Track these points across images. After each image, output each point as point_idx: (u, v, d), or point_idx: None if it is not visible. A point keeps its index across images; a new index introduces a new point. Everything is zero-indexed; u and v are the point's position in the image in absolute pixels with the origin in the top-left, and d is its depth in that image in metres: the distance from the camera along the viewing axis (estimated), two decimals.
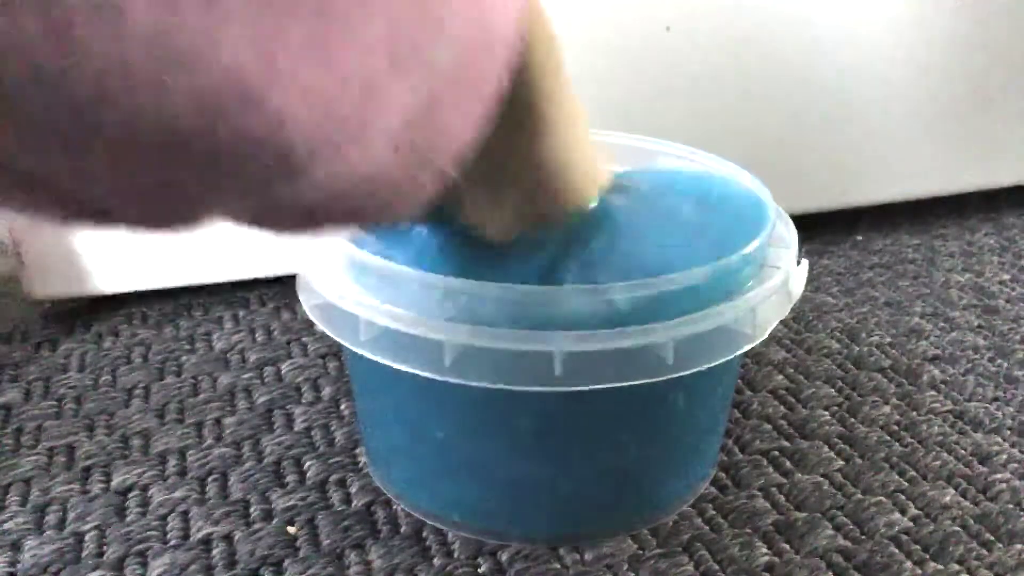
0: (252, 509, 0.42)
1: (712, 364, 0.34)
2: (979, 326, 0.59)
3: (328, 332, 0.36)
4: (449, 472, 0.39)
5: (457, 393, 0.34)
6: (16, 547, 0.40)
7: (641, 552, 0.39)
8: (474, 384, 0.33)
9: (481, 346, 0.32)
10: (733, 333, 0.35)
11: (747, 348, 0.35)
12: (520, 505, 0.39)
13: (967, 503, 0.42)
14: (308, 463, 0.45)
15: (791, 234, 0.40)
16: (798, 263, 0.39)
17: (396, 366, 0.34)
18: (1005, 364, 0.54)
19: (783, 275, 0.37)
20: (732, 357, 0.35)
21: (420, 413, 0.38)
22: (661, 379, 0.33)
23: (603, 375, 0.33)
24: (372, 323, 0.34)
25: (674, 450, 0.40)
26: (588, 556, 0.39)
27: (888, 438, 0.47)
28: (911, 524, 0.41)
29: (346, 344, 0.35)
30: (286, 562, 0.39)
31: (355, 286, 0.35)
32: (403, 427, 0.39)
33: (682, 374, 0.33)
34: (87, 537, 0.40)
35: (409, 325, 0.33)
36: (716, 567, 0.38)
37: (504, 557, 0.39)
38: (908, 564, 0.39)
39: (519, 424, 0.37)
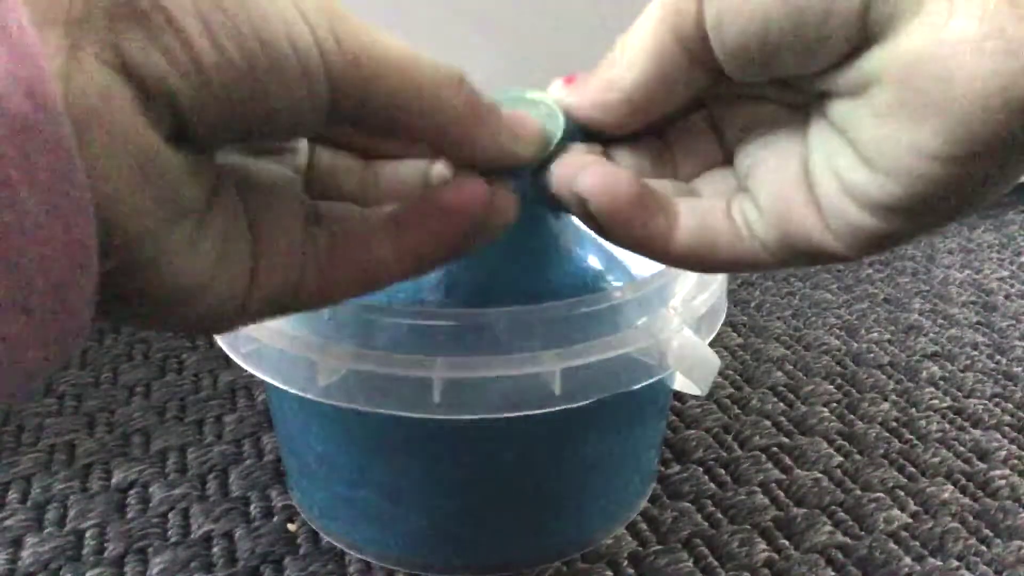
0: (252, 506, 0.42)
1: (606, 396, 0.32)
2: (978, 323, 0.59)
3: (219, 342, 0.35)
4: (339, 496, 0.38)
5: (340, 414, 0.32)
6: (17, 544, 0.40)
7: (640, 548, 0.39)
8: (349, 406, 0.31)
9: (356, 368, 0.30)
10: (635, 363, 0.32)
11: (652, 380, 0.33)
12: (413, 535, 0.38)
13: (966, 499, 0.42)
14: None
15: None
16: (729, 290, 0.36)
17: (272, 383, 0.33)
18: (1004, 361, 0.54)
19: (702, 304, 0.35)
20: (635, 389, 0.32)
21: (303, 431, 0.38)
22: (548, 410, 0.31)
23: (484, 404, 0.31)
24: (250, 337, 0.33)
25: (576, 484, 0.38)
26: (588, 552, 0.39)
27: (887, 434, 0.47)
28: (910, 520, 0.41)
29: (231, 355, 0.34)
30: (286, 559, 0.39)
31: None
32: (307, 451, 0.38)
33: (573, 405, 0.31)
34: (87, 534, 0.40)
35: (284, 342, 0.32)
36: (715, 563, 0.38)
37: None
38: (907, 560, 0.39)
39: (400, 450, 0.35)
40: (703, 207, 0.24)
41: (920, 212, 0.20)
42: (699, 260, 0.24)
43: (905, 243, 0.21)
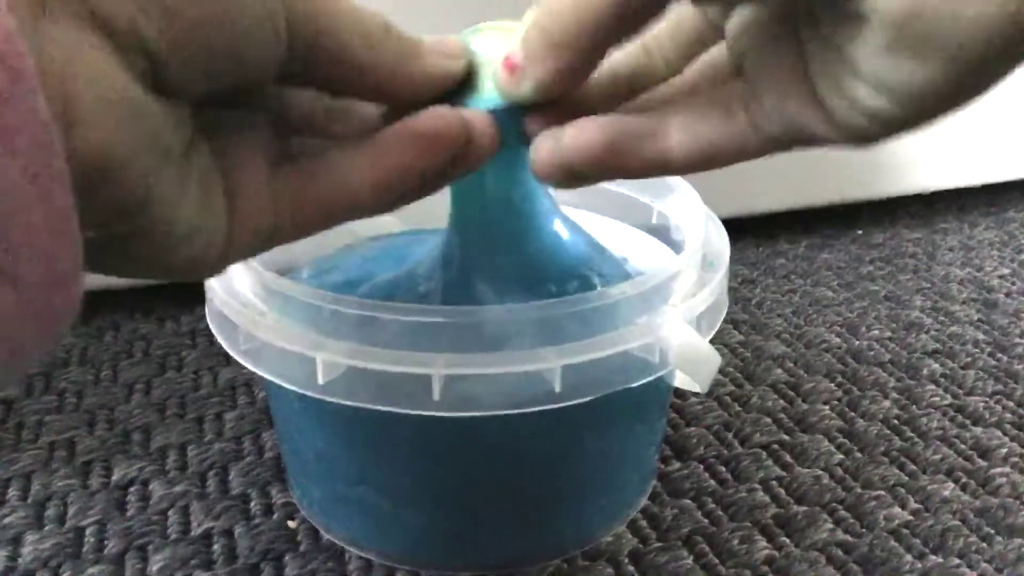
0: (252, 504, 0.42)
1: (606, 393, 0.32)
2: (979, 320, 0.59)
3: (219, 339, 0.35)
4: (339, 494, 0.38)
5: (339, 412, 0.32)
6: (17, 541, 0.40)
7: (641, 546, 0.39)
8: (349, 404, 0.31)
9: (356, 365, 0.30)
10: (636, 360, 0.32)
11: (652, 377, 0.33)
12: (414, 533, 0.38)
13: (967, 497, 0.42)
14: None
15: (721, 258, 0.37)
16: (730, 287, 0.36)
17: (272, 380, 0.33)
18: (1005, 358, 0.54)
19: (702, 301, 0.35)
20: (636, 386, 0.32)
21: (303, 429, 0.38)
22: (549, 407, 0.31)
23: (484, 401, 0.31)
24: (250, 334, 0.33)
25: (577, 482, 0.38)
26: (589, 549, 0.39)
27: (888, 432, 0.47)
28: (911, 518, 0.41)
29: (230, 352, 0.34)
30: (286, 556, 0.39)
31: (251, 297, 0.34)
32: (307, 448, 0.38)
33: (574, 403, 0.31)
34: (87, 532, 0.40)
35: (284, 339, 0.32)
36: (716, 561, 0.38)
37: None
38: (908, 558, 0.39)
39: (401, 448, 0.35)
40: (696, 116, 0.24)
41: (921, 120, 0.21)
42: (699, 168, 0.24)
43: (907, 134, 0.23)
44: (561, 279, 0.35)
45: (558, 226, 0.36)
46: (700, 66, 0.25)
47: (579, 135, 0.24)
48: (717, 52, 0.25)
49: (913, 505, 0.42)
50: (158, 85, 0.19)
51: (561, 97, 0.24)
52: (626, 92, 0.26)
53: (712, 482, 0.43)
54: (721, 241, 0.38)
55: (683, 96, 0.25)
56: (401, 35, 0.23)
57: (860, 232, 0.72)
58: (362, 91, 0.24)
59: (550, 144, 0.25)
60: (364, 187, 0.23)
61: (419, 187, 0.24)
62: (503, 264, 0.34)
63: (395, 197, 0.24)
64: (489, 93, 0.25)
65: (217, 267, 0.23)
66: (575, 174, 0.25)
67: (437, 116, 0.24)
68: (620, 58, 0.26)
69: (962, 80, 0.20)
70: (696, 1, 0.22)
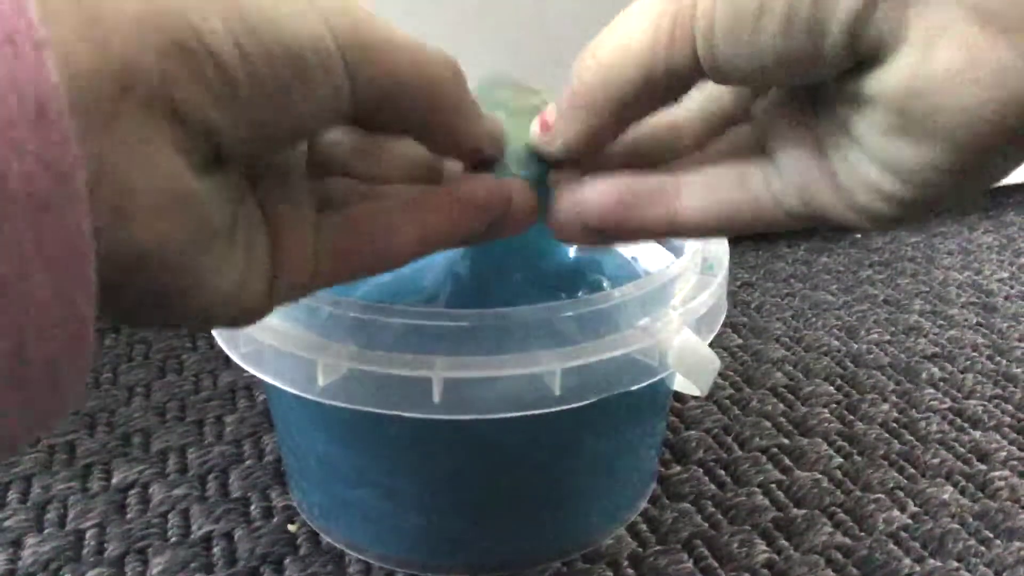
0: (252, 507, 0.42)
1: (606, 396, 0.32)
2: (978, 324, 0.59)
3: (219, 342, 0.35)
4: (339, 497, 0.38)
5: (340, 414, 0.32)
6: (17, 544, 0.40)
7: (640, 549, 0.39)
8: (349, 407, 0.31)
9: (356, 368, 0.31)
10: (636, 364, 0.32)
11: (652, 380, 0.33)
12: (414, 536, 0.38)
13: (966, 500, 0.42)
14: None
15: (720, 262, 0.37)
16: (728, 291, 0.36)
17: (272, 383, 0.33)
18: (1004, 362, 0.54)
19: (702, 304, 0.35)
20: (636, 389, 0.32)
21: (303, 432, 0.38)
22: (549, 410, 0.31)
23: (484, 404, 0.31)
24: (250, 337, 0.33)
25: (576, 484, 0.38)
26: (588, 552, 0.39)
27: (887, 435, 0.47)
28: (910, 521, 0.41)
29: (231, 355, 0.34)
30: (286, 560, 0.39)
31: None
32: (307, 451, 0.38)
33: (573, 405, 0.31)
34: (87, 534, 0.40)
35: (284, 342, 0.32)
36: (715, 564, 0.39)
37: None
38: (907, 561, 0.39)
39: (401, 451, 0.35)
40: (711, 180, 0.24)
41: (932, 203, 0.21)
42: (712, 232, 0.24)
43: (924, 218, 0.23)
44: (572, 286, 0.35)
45: None
46: (722, 141, 0.26)
47: (593, 189, 0.25)
48: (741, 129, 0.26)
49: (912, 508, 0.42)
50: (213, 161, 0.19)
51: (587, 158, 0.25)
52: (649, 162, 0.26)
53: (712, 485, 0.43)
54: (720, 245, 0.38)
55: (700, 164, 0.25)
56: (461, 87, 0.23)
57: (859, 236, 0.72)
58: (426, 141, 0.24)
59: (567, 198, 0.25)
60: (409, 245, 0.24)
61: (464, 242, 0.25)
62: (518, 271, 0.34)
63: (438, 248, 0.25)
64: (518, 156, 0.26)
65: (260, 315, 0.23)
66: (590, 229, 0.25)
67: (482, 185, 0.24)
68: (647, 131, 0.26)
69: (968, 165, 0.19)
70: (718, 81, 0.22)
